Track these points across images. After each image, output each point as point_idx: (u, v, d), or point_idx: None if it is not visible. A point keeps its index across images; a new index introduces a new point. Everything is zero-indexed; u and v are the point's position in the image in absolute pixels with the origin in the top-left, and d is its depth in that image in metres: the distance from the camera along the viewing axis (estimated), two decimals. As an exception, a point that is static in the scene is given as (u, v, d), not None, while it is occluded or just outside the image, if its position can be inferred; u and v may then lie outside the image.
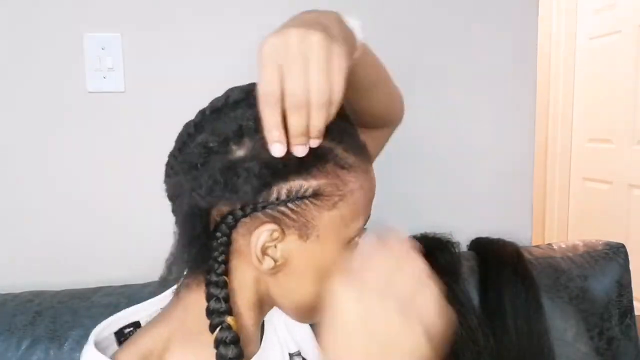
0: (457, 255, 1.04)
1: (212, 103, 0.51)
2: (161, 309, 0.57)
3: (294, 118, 0.43)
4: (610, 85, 2.43)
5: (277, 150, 0.44)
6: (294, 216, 0.47)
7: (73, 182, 1.05)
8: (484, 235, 1.14)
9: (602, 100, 2.51)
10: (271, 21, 1.18)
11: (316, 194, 0.47)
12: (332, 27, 0.46)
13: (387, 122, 0.69)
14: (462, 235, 1.12)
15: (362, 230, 0.53)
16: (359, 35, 0.52)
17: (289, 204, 0.47)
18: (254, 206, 0.47)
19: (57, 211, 1.05)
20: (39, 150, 1.04)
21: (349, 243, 0.52)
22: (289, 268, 0.49)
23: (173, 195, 0.50)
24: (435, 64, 1.17)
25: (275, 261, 0.48)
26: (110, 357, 0.50)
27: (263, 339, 0.60)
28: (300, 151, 0.45)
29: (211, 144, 0.47)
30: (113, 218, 1.05)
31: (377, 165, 1.14)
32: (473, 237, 1.15)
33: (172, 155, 0.51)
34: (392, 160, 1.18)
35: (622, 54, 2.34)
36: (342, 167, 0.49)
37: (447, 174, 1.20)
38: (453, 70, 1.18)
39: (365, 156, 0.52)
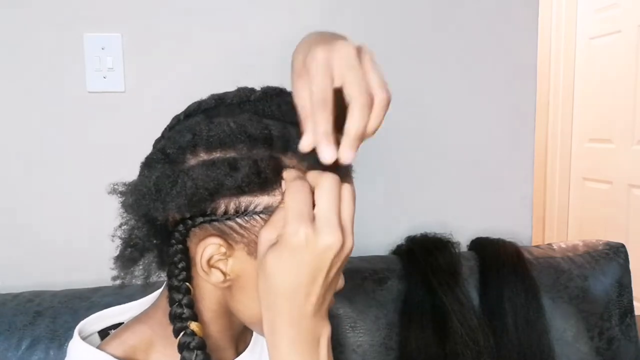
0: (457, 255, 1.04)
1: (187, 108, 0.52)
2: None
3: (360, 120, 0.42)
4: (610, 85, 2.43)
5: (330, 155, 0.43)
6: (242, 232, 0.47)
7: (73, 182, 1.05)
8: (484, 235, 1.14)
9: (602, 100, 2.50)
10: (271, 22, 1.19)
11: (268, 210, 0.46)
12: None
13: None
14: (462, 235, 1.12)
15: None
16: None
17: (238, 219, 0.46)
18: (202, 217, 0.46)
19: (57, 211, 1.05)
20: (39, 149, 1.04)
21: None
22: (241, 283, 0.48)
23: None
24: (435, 65, 1.17)
25: (225, 275, 0.48)
26: (97, 349, 0.51)
27: (255, 335, 0.61)
28: (349, 158, 0.43)
29: (168, 150, 0.47)
30: (113, 218, 1.05)
31: (377, 165, 1.15)
32: (473, 237, 1.15)
33: (145, 158, 0.52)
34: (391, 160, 1.18)
35: (622, 54, 2.34)
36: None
37: (447, 174, 1.20)
38: (453, 70, 1.18)
39: (340, 174, 0.50)
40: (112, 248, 0.56)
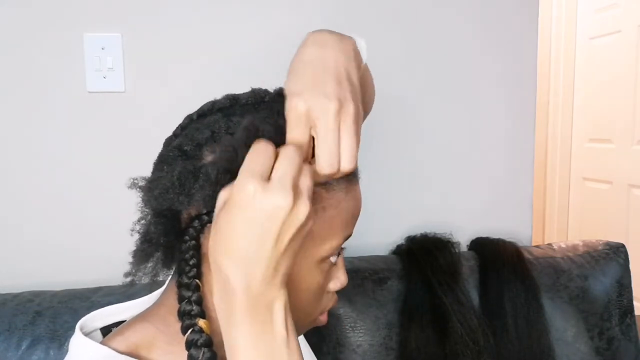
0: (457, 255, 1.04)
1: (200, 108, 0.52)
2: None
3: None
4: (610, 85, 2.43)
5: None
6: None
7: (73, 182, 1.05)
8: (484, 235, 1.15)
9: (602, 100, 2.51)
10: (271, 22, 1.19)
11: None
12: (352, 69, 0.49)
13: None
14: (462, 235, 1.12)
15: (338, 249, 0.52)
16: (364, 56, 0.52)
17: None
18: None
19: (57, 211, 1.05)
20: (39, 150, 1.04)
21: (322, 262, 0.51)
22: None
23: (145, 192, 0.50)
24: (435, 65, 1.17)
25: None
26: (101, 344, 0.51)
27: None
28: None
29: (185, 148, 0.48)
30: (113, 218, 1.05)
31: (377, 165, 1.15)
32: (473, 237, 1.15)
33: (158, 155, 0.52)
34: (391, 160, 1.18)
35: (622, 54, 2.34)
36: (316, 183, 0.47)
37: (447, 174, 1.20)
38: (453, 70, 1.18)
39: (349, 175, 0.50)
40: (112, 248, 0.56)
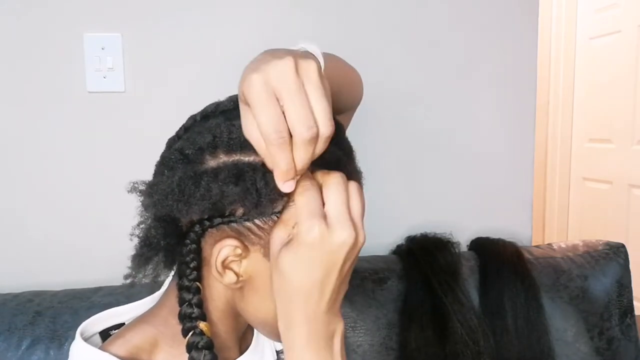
0: (457, 255, 1.04)
1: (204, 109, 0.51)
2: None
3: (303, 154, 0.41)
4: (610, 85, 2.43)
5: (290, 187, 0.43)
6: (259, 233, 0.47)
7: (73, 182, 1.05)
8: (484, 235, 1.14)
9: (602, 100, 2.51)
10: (271, 22, 1.19)
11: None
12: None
13: (351, 107, 0.67)
14: (462, 235, 1.12)
15: None
16: (320, 59, 0.49)
17: (256, 220, 0.46)
18: (220, 219, 0.46)
19: (56, 211, 1.05)
20: (38, 150, 1.04)
21: None
22: (253, 285, 0.49)
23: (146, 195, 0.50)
24: (435, 65, 1.17)
25: (238, 276, 0.48)
26: (100, 349, 0.51)
27: (256, 334, 0.61)
28: (290, 186, 0.43)
29: (187, 151, 0.47)
30: (113, 218, 1.05)
31: (378, 165, 1.15)
32: (473, 237, 1.15)
33: (160, 157, 0.52)
34: (392, 160, 1.18)
35: (622, 54, 2.34)
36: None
37: (447, 174, 1.20)
38: (453, 70, 1.18)
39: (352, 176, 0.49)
40: (112, 248, 0.55)
